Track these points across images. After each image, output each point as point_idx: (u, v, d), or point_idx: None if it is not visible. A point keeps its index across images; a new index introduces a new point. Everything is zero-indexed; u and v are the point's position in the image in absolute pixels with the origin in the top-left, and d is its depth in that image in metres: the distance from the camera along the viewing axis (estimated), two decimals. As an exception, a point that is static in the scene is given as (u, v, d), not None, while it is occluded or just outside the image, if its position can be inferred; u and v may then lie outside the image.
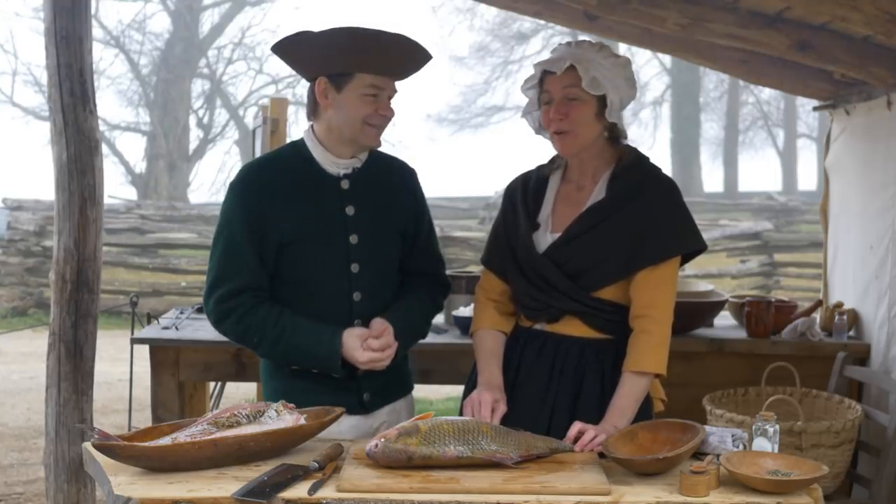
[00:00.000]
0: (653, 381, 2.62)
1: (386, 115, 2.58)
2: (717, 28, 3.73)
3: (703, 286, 4.54)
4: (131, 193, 21.48)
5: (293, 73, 2.72)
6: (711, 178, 25.81)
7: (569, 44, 2.66)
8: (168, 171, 21.81)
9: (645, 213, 2.58)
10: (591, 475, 2.20)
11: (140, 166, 22.36)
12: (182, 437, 2.25)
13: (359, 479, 2.15)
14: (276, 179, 2.60)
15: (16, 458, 5.78)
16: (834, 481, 3.54)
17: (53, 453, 3.93)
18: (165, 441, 2.23)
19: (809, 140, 26.43)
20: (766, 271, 13.70)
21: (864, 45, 3.71)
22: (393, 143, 17.77)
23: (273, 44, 2.58)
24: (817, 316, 4.43)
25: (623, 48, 14.79)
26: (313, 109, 2.62)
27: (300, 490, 2.11)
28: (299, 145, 2.67)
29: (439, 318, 4.08)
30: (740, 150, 25.76)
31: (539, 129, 2.72)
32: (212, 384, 4.91)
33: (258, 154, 4.97)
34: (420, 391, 3.08)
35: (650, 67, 24.21)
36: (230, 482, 2.14)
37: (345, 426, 2.57)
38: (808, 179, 26.01)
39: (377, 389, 2.69)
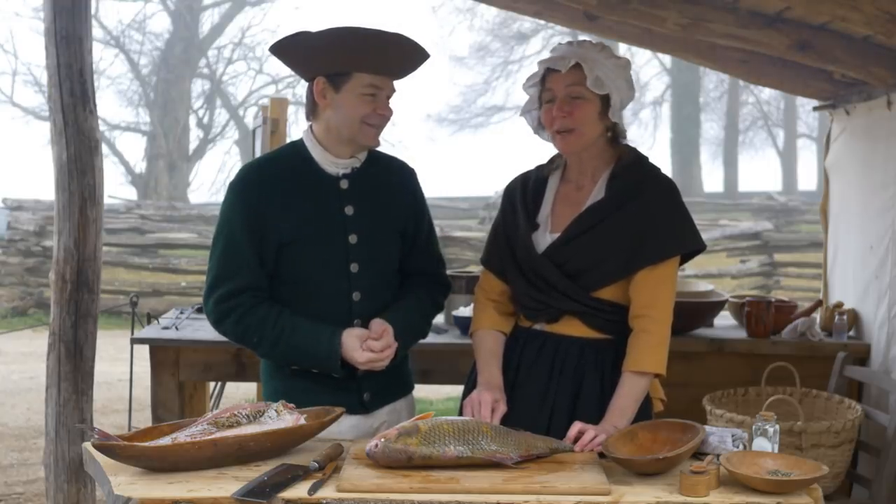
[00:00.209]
0: (652, 381, 2.62)
1: (384, 115, 2.58)
2: (717, 28, 3.73)
3: (703, 286, 4.54)
4: (131, 193, 21.50)
5: (293, 73, 2.73)
6: (711, 178, 25.85)
7: (570, 43, 2.66)
8: (168, 171, 21.82)
9: (644, 213, 2.58)
10: (591, 475, 2.20)
11: (140, 166, 22.39)
12: (182, 437, 2.25)
13: (359, 479, 2.15)
14: (275, 179, 2.60)
15: (16, 458, 5.78)
16: (834, 481, 3.54)
17: (53, 453, 3.93)
18: (165, 441, 2.23)
19: (809, 140, 26.44)
20: (766, 271, 13.70)
21: (864, 45, 3.71)
22: (393, 143, 17.81)
23: (271, 44, 2.58)
24: (817, 316, 4.43)
25: (623, 48, 14.81)
26: (312, 109, 2.63)
27: (300, 490, 2.11)
28: (298, 145, 2.67)
29: (439, 318, 4.07)
30: (740, 150, 25.77)
31: (538, 128, 2.71)
32: (212, 384, 4.91)
33: (258, 154, 4.97)
34: (420, 391, 3.08)
35: (650, 67, 24.26)
36: (230, 482, 2.14)
37: (345, 426, 2.57)
38: (808, 179, 26.05)
39: (377, 389, 2.69)
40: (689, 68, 22.20)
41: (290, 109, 12.46)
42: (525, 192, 2.73)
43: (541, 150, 2.81)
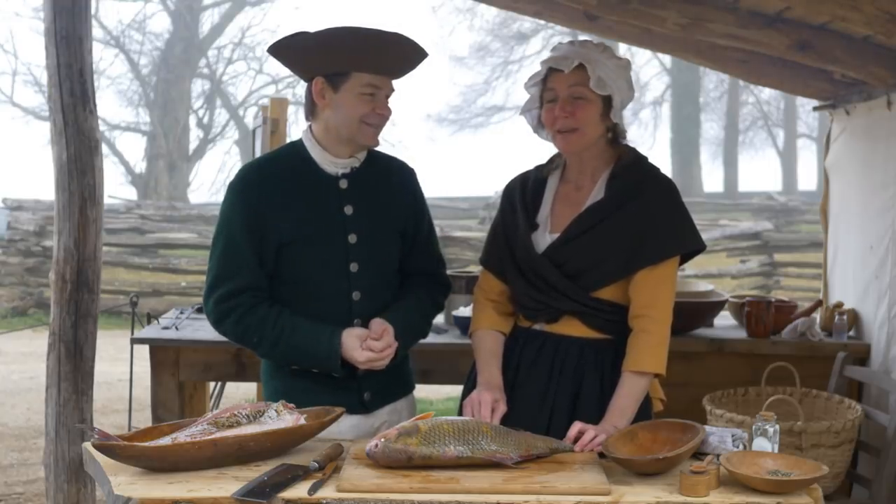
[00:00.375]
0: (652, 381, 2.62)
1: (383, 114, 2.58)
2: (717, 28, 3.73)
3: (703, 286, 4.54)
4: (131, 193, 21.50)
5: (292, 73, 2.73)
6: (711, 178, 25.85)
7: (573, 43, 2.65)
8: (168, 171, 21.82)
9: (644, 213, 2.58)
10: (591, 475, 2.20)
11: (140, 166, 22.39)
12: (182, 437, 2.25)
13: (359, 479, 2.15)
14: (275, 179, 2.60)
15: (16, 458, 5.78)
16: (834, 481, 3.54)
17: (53, 453, 3.93)
18: (165, 441, 2.23)
19: (809, 140, 26.44)
20: (766, 271, 13.70)
21: (864, 45, 3.71)
22: (393, 143, 17.82)
23: (270, 45, 2.59)
24: (817, 316, 4.43)
25: (623, 48, 14.81)
26: (311, 110, 2.63)
27: (300, 490, 2.11)
28: (298, 145, 2.68)
29: (439, 318, 4.07)
30: (740, 150, 25.77)
31: (537, 127, 2.71)
32: (212, 384, 4.91)
33: (258, 154, 4.97)
34: (420, 391, 3.08)
35: (650, 67, 24.26)
36: (230, 482, 2.14)
37: (345, 426, 2.57)
38: (808, 179, 26.05)
39: (378, 389, 2.69)
40: (689, 68, 22.20)
41: (290, 109, 12.45)
42: (524, 192, 2.73)
43: (541, 150, 2.81)
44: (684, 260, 2.67)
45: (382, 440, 2.22)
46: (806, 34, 3.72)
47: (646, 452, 2.30)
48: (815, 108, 4.82)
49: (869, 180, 4.20)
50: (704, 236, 2.66)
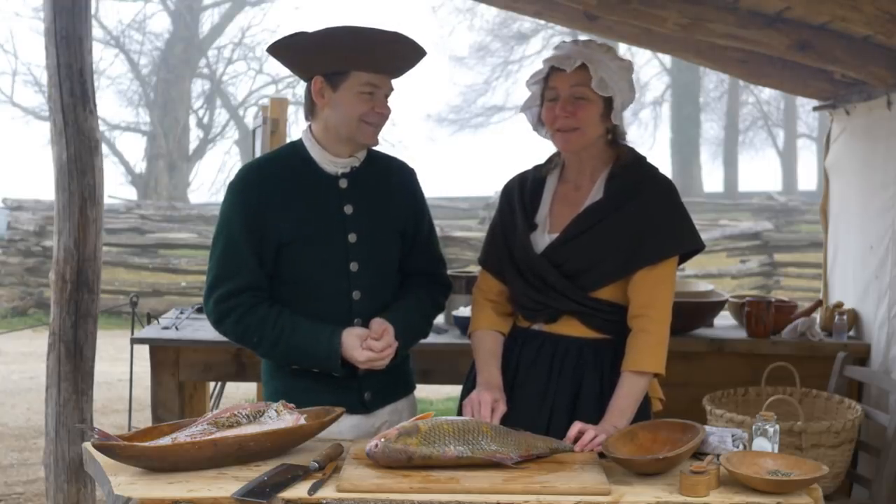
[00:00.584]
0: (651, 381, 2.62)
1: (383, 113, 2.59)
2: (717, 28, 3.73)
3: (703, 286, 4.54)
4: (131, 193, 21.50)
5: (292, 73, 2.73)
6: (711, 178, 25.85)
7: (576, 42, 2.65)
8: (168, 171, 21.82)
9: (643, 213, 2.58)
10: (591, 475, 2.20)
11: (140, 166, 22.39)
12: (182, 437, 2.25)
13: (359, 479, 2.15)
14: (275, 179, 2.60)
15: (16, 458, 5.78)
16: (834, 481, 3.54)
17: (53, 453, 3.93)
18: (165, 441, 2.23)
19: (809, 140, 26.44)
20: (766, 271, 13.70)
21: (864, 45, 3.71)
22: (393, 143, 17.82)
23: (269, 45, 2.59)
24: (817, 316, 4.43)
25: (623, 48, 14.79)
26: (311, 109, 2.63)
27: (300, 490, 2.11)
28: (298, 145, 2.68)
29: (439, 318, 4.07)
30: (740, 150, 25.76)
31: (537, 125, 2.71)
32: (212, 384, 4.91)
33: (258, 154, 4.97)
34: (420, 391, 3.07)
35: (650, 67, 24.24)
36: (230, 482, 2.14)
37: (345, 426, 2.57)
38: (808, 179, 26.05)
39: (378, 389, 2.69)
40: (689, 68, 22.20)
41: (290, 109, 12.45)
42: (523, 193, 2.73)
43: (541, 150, 2.81)
44: (683, 260, 2.67)
45: (382, 440, 2.22)
46: (806, 34, 3.72)
47: (646, 452, 2.30)
48: (815, 108, 4.82)
49: (869, 180, 4.20)
50: (704, 236, 2.67)
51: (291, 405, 2.40)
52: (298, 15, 25.69)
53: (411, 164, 2.82)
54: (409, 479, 2.15)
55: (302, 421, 2.35)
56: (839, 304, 4.35)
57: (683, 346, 4.05)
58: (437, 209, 14.35)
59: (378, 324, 2.58)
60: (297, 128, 14.85)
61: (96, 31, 19.59)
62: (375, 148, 2.71)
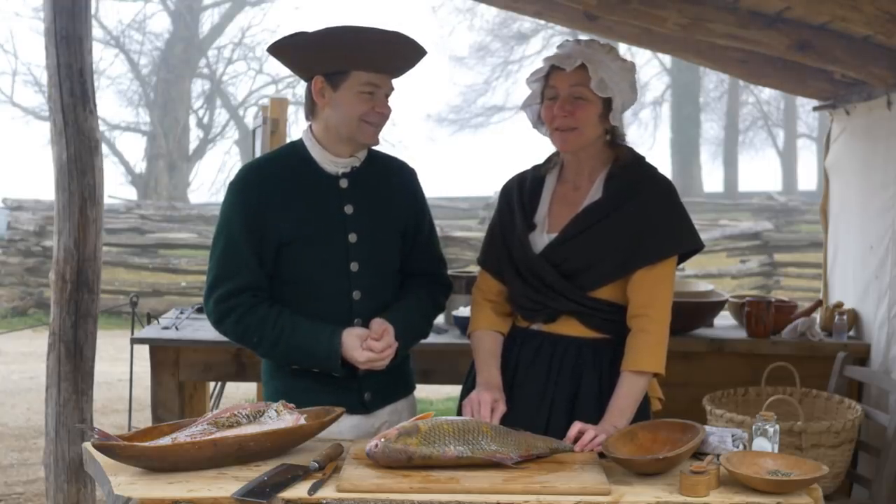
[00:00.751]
0: (651, 380, 2.62)
1: (383, 113, 2.59)
2: (717, 28, 3.73)
3: (703, 286, 4.54)
4: (131, 193, 21.50)
5: (292, 73, 2.73)
6: (711, 178, 25.85)
7: (578, 41, 2.65)
8: (168, 171, 21.81)
9: (642, 213, 2.58)
10: (591, 475, 2.20)
11: (140, 166, 22.39)
12: (182, 437, 2.25)
13: (359, 479, 2.15)
14: (275, 179, 2.60)
15: (16, 458, 5.78)
16: (834, 481, 3.54)
17: (53, 453, 3.93)
18: (165, 441, 2.23)
19: (809, 140, 26.43)
20: (766, 271, 13.70)
21: (864, 45, 3.71)
22: (393, 143, 17.81)
23: (269, 45, 2.59)
24: (817, 316, 4.43)
25: (623, 48, 14.79)
26: (311, 109, 2.63)
27: (300, 490, 2.11)
28: (298, 145, 2.68)
29: (440, 318, 4.07)
30: (740, 150, 25.76)
31: (537, 123, 2.71)
32: (212, 384, 4.91)
33: (258, 154, 4.97)
34: (420, 391, 3.07)
35: (650, 67, 24.24)
36: (230, 482, 2.14)
37: (345, 426, 2.57)
38: (808, 179, 26.04)
39: (378, 389, 2.69)
40: (689, 68, 22.20)
41: (290, 109, 12.45)
42: (522, 193, 2.73)
43: (541, 150, 2.81)
44: (682, 259, 2.67)
45: (382, 440, 2.22)
46: (806, 34, 3.72)
47: (646, 452, 2.30)
48: (815, 108, 4.82)
49: (869, 180, 4.20)
50: (704, 236, 2.66)
51: (291, 405, 2.40)
52: (298, 15, 25.70)
53: (411, 164, 2.82)
54: (409, 479, 2.15)
55: (302, 421, 2.35)
56: (839, 304, 4.35)
57: (683, 346, 4.06)
58: (437, 209, 14.34)
59: (378, 324, 2.58)
60: (297, 128, 14.87)
61: (96, 31, 19.59)
62: (376, 148, 2.71)
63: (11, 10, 27.29)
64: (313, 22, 14.98)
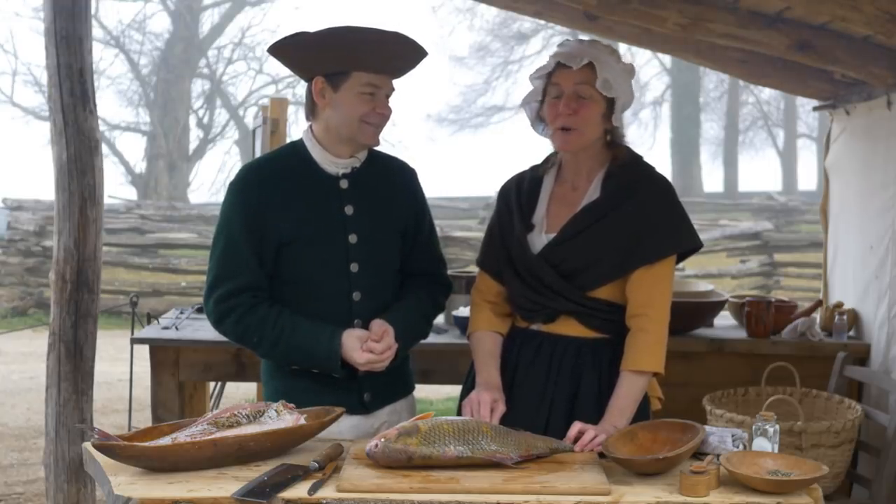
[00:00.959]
0: (650, 380, 2.62)
1: (383, 114, 2.58)
2: (717, 28, 3.73)
3: (703, 286, 4.54)
4: (131, 193, 21.49)
5: (293, 73, 2.73)
6: (711, 178, 25.84)
7: (582, 41, 2.65)
8: (168, 171, 21.81)
9: (640, 213, 2.58)
10: (591, 475, 2.20)
11: (140, 166, 22.38)
12: (182, 437, 2.25)
13: (359, 479, 2.15)
14: (275, 179, 2.60)
15: (16, 458, 5.78)
16: (834, 481, 3.54)
17: (53, 453, 3.93)
18: (165, 441, 2.24)
19: (809, 140, 26.43)
20: (766, 271, 13.70)
21: (864, 45, 3.71)
22: (393, 143, 17.80)
23: (270, 45, 2.59)
24: (817, 316, 4.43)
25: (623, 48, 14.79)
26: (311, 109, 2.63)
27: (300, 490, 2.11)
28: (298, 145, 2.68)
29: (439, 319, 4.08)
30: (740, 150, 25.76)
31: (535, 120, 2.71)
32: (212, 384, 4.91)
33: (258, 154, 4.97)
34: (420, 391, 3.07)
35: (650, 67, 24.23)
36: (230, 482, 2.14)
37: (345, 426, 2.57)
38: (808, 179, 26.04)
39: (378, 389, 2.68)
40: (689, 68, 22.19)
41: (290, 109, 12.45)
42: (520, 193, 2.73)
43: (540, 150, 2.81)
44: (681, 259, 2.67)
45: (382, 440, 2.22)
46: (806, 34, 3.72)
47: (646, 452, 2.30)
48: (815, 108, 4.82)
49: (869, 180, 4.20)
50: (704, 236, 2.66)
51: (291, 405, 2.40)
52: (298, 15, 25.70)
53: (411, 164, 2.82)
54: (409, 479, 2.15)
55: (302, 421, 2.35)
56: (839, 304, 4.35)
57: (683, 346, 4.06)
58: (437, 209, 14.34)
59: (378, 325, 2.58)
60: (297, 128, 14.87)
61: (96, 31, 19.59)
62: (376, 148, 2.71)
63: (11, 10, 27.32)
64: (313, 22, 14.97)
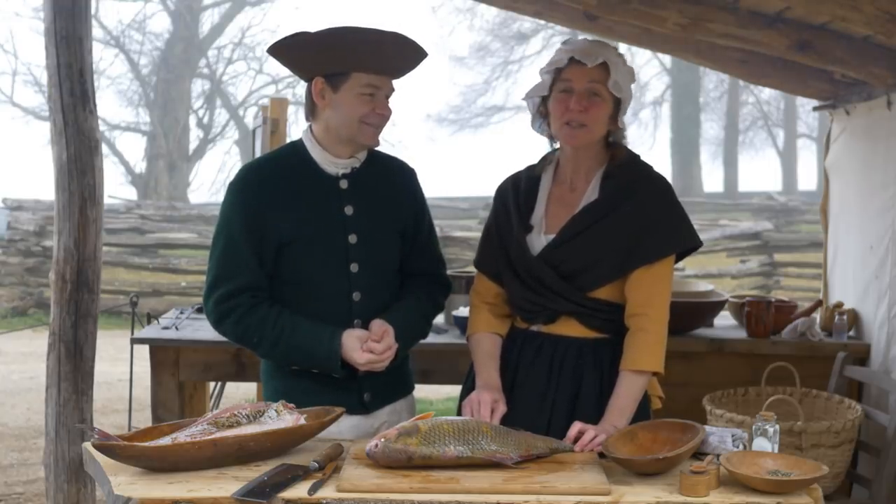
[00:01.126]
0: (650, 379, 2.62)
1: (383, 114, 2.58)
2: (717, 28, 3.73)
3: (703, 286, 4.54)
4: (131, 193, 21.49)
5: (293, 73, 2.73)
6: (711, 178, 25.83)
7: (593, 40, 2.66)
8: (168, 171, 21.81)
9: (640, 213, 2.58)
10: (591, 475, 2.20)
11: (140, 166, 22.38)
12: (182, 437, 2.25)
13: (359, 479, 2.15)
14: (275, 180, 2.60)
15: (16, 458, 5.78)
16: (834, 481, 3.54)
17: (53, 453, 3.94)
18: (165, 441, 2.24)
19: (809, 140, 26.43)
20: (766, 271, 13.70)
21: (864, 45, 3.71)
22: (393, 143, 17.80)
23: (269, 45, 2.59)
24: (817, 316, 4.43)
25: (623, 48, 14.79)
26: (311, 110, 2.63)
27: (300, 490, 2.11)
28: (298, 145, 2.67)
29: (439, 319, 4.08)
30: (740, 150, 25.75)
31: (535, 115, 2.70)
32: (212, 384, 4.91)
33: (258, 154, 4.97)
34: (420, 391, 3.07)
35: (650, 67, 24.23)
36: (230, 482, 2.14)
37: (345, 426, 2.57)
38: (808, 179, 26.03)
39: (378, 389, 2.69)
40: (689, 68, 22.19)
41: (290, 109, 12.45)
42: (517, 194, 2.73)
43: (541, 151, 2.81)
44: (680, 258, 2.67)
45: (382, 440, 2.22)
46: (806, 34, 3.72)
47: (646, 452, 2.30)
48: (815, 108, 4.82)
49: (869, 180, 4.20)
50: (704, 236, 2.66)
51: (291, 405, 2.40)
52: (298, 15, 25.69)
53: (411, 164, 2.82)
54: (409, 479, 2.15)
55: (302, 421, 2.35)
56: (839, 304, 4.35)
57: (683, 346, 4.06)
58: (437, 209, 14.34)
59: (378, 325, 2.58)
60: (297, 128, 14.87)
61: (96, 31, 19.59)
62: (376, 148, 2.70)
63: (11, 10, 27.31)
64: (313, 22, 14.96)
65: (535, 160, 2.80)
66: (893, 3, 3.27)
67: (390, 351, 2.56)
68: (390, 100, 2.62)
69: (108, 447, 2.17)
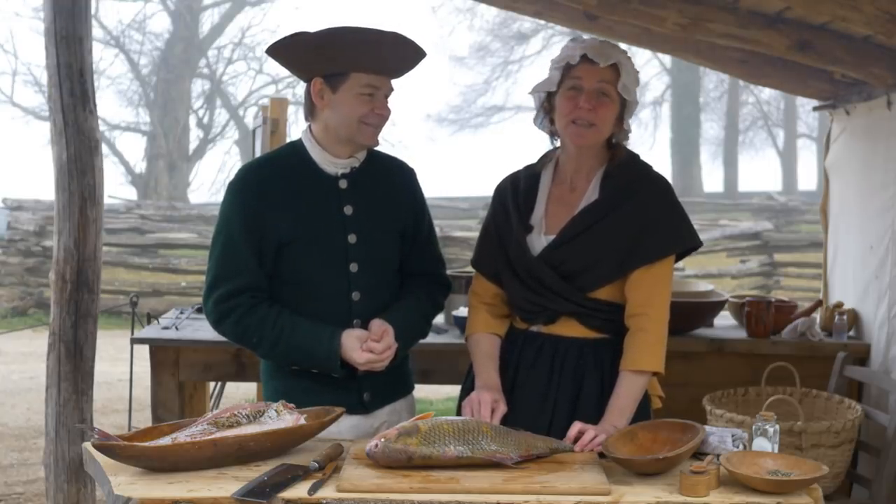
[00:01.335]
0: (651, 379, 2.62)
1: (382, 114, 2.58)
2: (717, 28, 3.73)
3: (703, 286, 4.54)
4: (131, 193, 21.49)
5: (292, 73, 2.73)
6: (711, 178, 25.83)
7: (602, 40, 2.65)
8: (168, 171, 21.81)
9: (640, 213, 2.58)
10: (591, 475, 2.20)
11: (140, 166, 22.38)
12: (182, 437, 2.25)
13: (359, 479, 2.15)
14: (274, 180, 2.60)
15: (16, 458, 5.78)
16: (834, 481, 3.54)
17: (53, 453, 3.94)
18: (165, 441, 2.24)
19: (809, 140, 26.42)
20: (766, 271, 13.70)
21: (864, 45, 3.71)
22: (393, 143, 17.82)
23: (268, 46, 2.59)
24: (817, 316, 4.43)
25: (623, 48, 14.74)
26: (310, 110, 2.63)
27: (300, 490, 2.11)
28: (297, 146, 2.67)
29: (439, 318, 4.08)
30: (740, 150, 25.75)
31: (539, 111, 2.69)
32: (212, 384, 4.91)
33: (258, 154, 4.97)
34: (420, 391, 3.08)
35: (650, 67, 24.21)
36: (230, 482, 2.14)
37: (345, 426, 2.57)
38: (808, 179, 26.03)
39: (378, 389, 2.69)
40: (689, 68, 22.19)
41: (290, 109, 12.44)
42: (517, 194, 2.72)
43: (541, 150, 2.80)
44: (680, 258, 2.67)
45: (382, 440, 2.22)
46: (806, 34, 3.72)
47: (646, 452, 2.30)
48: (815, 108, 4.82)
49: (869, 180, 4.20)
50: (704, 236, 2.66)
51: (291, 405, 2.40)
52: (298, 15, 25.69)
53: (411, 164, 2.82)
54: (409, 479, 2.15)
55: (302, 421, 2.35)
56: (839, 304, 4.35)
57: (683, 346, 4.06)
58: (437, 209, 14.34)
59: (378, 325, 2.58)
60: (297, 128, 14.85)
61: (96, 31, 19.59)
62: (375, 148, 2.70)
63: (11, 10, 27.31)
64: (313, 22, 14.98)
65: (534, 160, 2.79)
66: (893, 3, 3.27)
67: (390, 351, 2.56)
68: (389, 100, 2.61)
69: (108, 447, 2.17)
